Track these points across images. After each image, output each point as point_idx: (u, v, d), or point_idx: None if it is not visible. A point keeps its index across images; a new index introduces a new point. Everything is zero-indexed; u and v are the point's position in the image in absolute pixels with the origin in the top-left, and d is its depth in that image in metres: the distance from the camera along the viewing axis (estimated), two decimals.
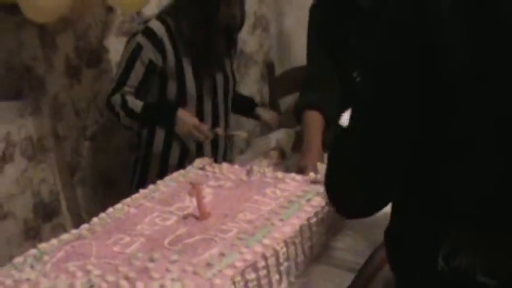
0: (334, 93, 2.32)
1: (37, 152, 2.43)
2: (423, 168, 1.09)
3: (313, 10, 2.46)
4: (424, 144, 1.06)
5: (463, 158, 1.04)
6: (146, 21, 2.38)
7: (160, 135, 2.42)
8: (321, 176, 1.84)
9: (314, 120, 2.26)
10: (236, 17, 2.42)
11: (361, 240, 1.72)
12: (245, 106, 2.71)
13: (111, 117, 2.43)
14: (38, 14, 2.17)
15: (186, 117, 2.34)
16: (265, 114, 2.70)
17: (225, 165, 1.99)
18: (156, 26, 2.34)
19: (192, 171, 1.97)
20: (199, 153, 2.44)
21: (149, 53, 2.32)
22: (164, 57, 2.34)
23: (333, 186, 1.19)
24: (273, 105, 3.42)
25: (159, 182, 1.91)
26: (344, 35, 2.33)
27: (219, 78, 2.49)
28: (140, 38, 2.33)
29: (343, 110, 2.28)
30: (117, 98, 2.33)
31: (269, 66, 3.44)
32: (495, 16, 0.99)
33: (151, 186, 1.88)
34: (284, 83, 3.40)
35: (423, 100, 1.03)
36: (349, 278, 1.55)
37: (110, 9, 2.65)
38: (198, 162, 2.03)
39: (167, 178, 1.94)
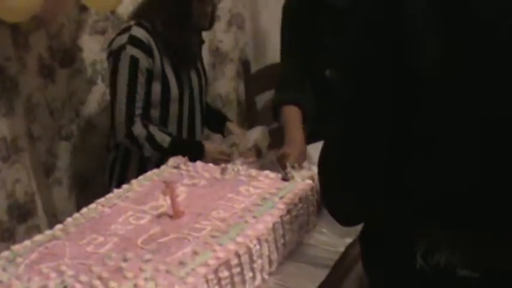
0: (308, 91, 2.35)
1: (11, 153, 2.41)
2: (395, 164, 1.09)
3: (286, 8, 2.48)
4: (397, 141, 1.07)
5: (428, 155, 1.06)
6: (125, 30, 2.36)
7: None
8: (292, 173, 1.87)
9: (293, 114, 2.30)
10: (208, 14, 2.42)
11: (334, 237, 1.73)
12: (215, 121, 2.70)
13: (129, 146, 2.42)
14: (10, 14, 2.16)
15: (211, 148, 2.39)
16: (235, 131, 2.58)
17: (199, 163, 2.00)
18: (140, 33, 2.35)
19: (167, 170, 1.97)
20: None
21: (144, 62, 2.34)
22: (153, 61, 2.37)
23: (326, 191, 1.21)
24: (249, 102, 3.43)
25: (133, 181, 1.91)
26: (316, 34, 2.35)
27: (193, 76, 2.52)
28: (131, 50, 2.33)
29: (316, 108, 2.32)
30: (141, 131, 2.34)
31: (245, 64, 3.45)
32: (468, 12, 1.00)
33: (125, 186, 1.88)
34: (260, 81, 3.41)
35: (396, 97, 1.04)
36: (323, 274, 1.57)
37: (83, 8, 2.63)
38: (172, 160, 2.03)
39: (141, 177, 1.93)
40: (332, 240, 1.72)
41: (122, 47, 2.34)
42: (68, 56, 2.62)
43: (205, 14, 2.39)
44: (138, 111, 2.35)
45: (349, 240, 1.71)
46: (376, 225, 1.21)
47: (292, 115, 2.29)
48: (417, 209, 1.10)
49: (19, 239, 2.31)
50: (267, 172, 1.89)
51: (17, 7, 2.14)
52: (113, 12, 2.76)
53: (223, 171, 1.90)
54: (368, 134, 1.09)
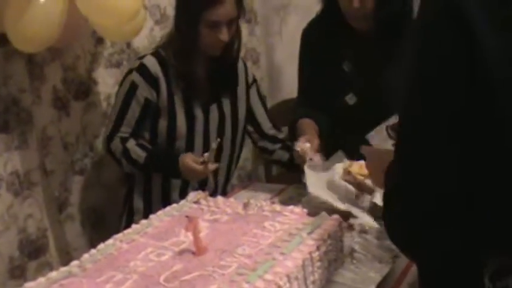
0: (323, 111, 2.39)
1: (24, 187, 2.35)
2: (466, 190, 1.06)
3: (306, 32, 2.47)
4: (469, 164, 1.05)
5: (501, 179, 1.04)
6: (141, 58, 2.33)
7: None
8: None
9: (308, 123, 2.35)
10: (219, 42, 2.26)
11: (363, 275, 1.65)
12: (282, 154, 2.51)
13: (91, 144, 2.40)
14: (26, 44, 2.11)
15: (187, 163, 2.20)
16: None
17: (220, 198, 1.92)
18: (150, 62, 2.29)
19: (187, 205, 1.90)
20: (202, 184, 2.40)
21: (144, 91, 2.28)
22: (158, 94, 2.29)
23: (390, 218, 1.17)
24: None
25: (151, 216, 1.83)
26: (336, 60, 2.33)
27: (213, 116, 2.40)
28: (135, 76, 2.29)
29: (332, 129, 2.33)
30: (117, 146, 2.30)
31: None
32: None
33: (143, 221, 1.80)
34: (275, 117, 3.34)
35: (468, 107, 1.03)
36: None
37: (99, 41, 2.60)
38: (192, 195, 1.96)
39: (160, 212, 1.86)
40: (361, 278, 1.65)
41: (129, 72, 2.33)
42: (82, 89, 2.57)
43: (217, 42, 2.25)
44: (121, 134, 2.30)
45: (378, 277, 1.64)
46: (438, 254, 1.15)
47: (306, 124, 2.34)
48: (486, 233, 1.05)
49: (30, 276, 2.24)
50: (291, 207, 1.81)
51: (33, 37, 2.10)
52: (128, 45, 2.73)
53: (245, 206, 1.83)
54: (440, 156, 1.06)
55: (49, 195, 2.45)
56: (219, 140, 2.25)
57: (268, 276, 1.39)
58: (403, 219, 1.12)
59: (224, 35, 2.23)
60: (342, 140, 2.32)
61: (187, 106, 2.33)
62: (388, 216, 1.17)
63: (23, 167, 2.34)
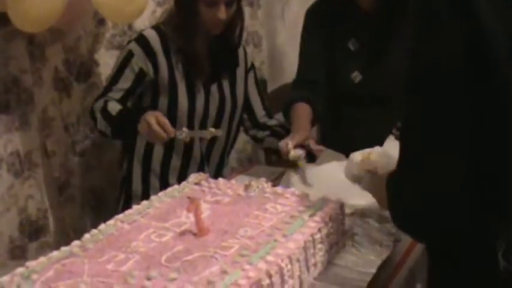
0: (321, 93, 2.38)
1: (24, 168, 2.34)
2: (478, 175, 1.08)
3: (310, 12, 2.47)
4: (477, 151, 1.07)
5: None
6: (142, 30, 2.33)
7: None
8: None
9: (303, 109, 2.33)
10: (219, 22, 2.24)
11: (364, 258, 1.66)
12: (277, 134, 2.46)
13: (92, 125, 2.34)
14: (28, 24, 2.10)
15: (149, 119, 2.09)
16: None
17: (221, 180, 1.92)
18: (151, 35, 2.29)
19: (188, 186, 1.89)
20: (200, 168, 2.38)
21: (140, 61, 2.26)
22: (156, 69, 2.27)
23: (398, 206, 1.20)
24: None
25: (153, 197, 1.83)
26: (342, 38, 2.34)
27: (213, 96, 2.38)
28: (132, 45, 2.28)
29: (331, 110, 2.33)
30: (99, 104, 2.25)
31: (261, 83, 3.38)
32: None
33: (144, 202, 1.80)
34: (276, 100, 3.33)
35: (472, 100, 1.05)
36: None
37: (100, 22, 2.58)
38: (193, 177, 1.95)
39: (161, 193, 1.86)
40: (362, 261, 1.65)
41: (128, 42, 2.33)
42: (84, 70, 2.56)
43: (216, 21, 2.23)
44: (107, 97, 2.25)
45: (379, 261, 1.64)
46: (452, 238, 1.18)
47: (301, 111, 2.32)
48: (498, 213, 1.07)
49: (30, 257, 2.24)
50: (292, 189, 1.81)
51: (35, 17, 2.08)
52: (130, 27, 2.71)
53: (247, 188, 1.82)
54: (448, 145, 1.08)
55: (49, 176, 2.45)
56: (220, 133, 2.25)
57: (270, 258, 1.38)
58: (413, 202, 1.14)
59: (222, 14, 2.21)
60: (345, 117, 2.34)
61: (189, 83, 2.32)
62: (397, 202, 1.20)
63: (23, 148, 2.33)
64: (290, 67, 3.49)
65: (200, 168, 2.38)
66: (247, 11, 3.43)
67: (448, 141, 1.07)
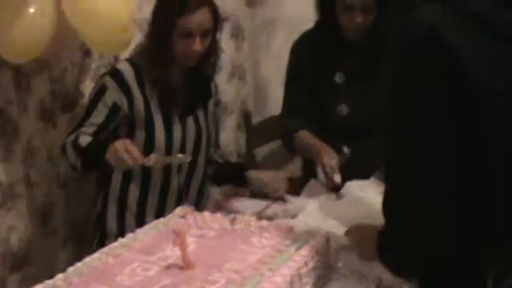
0: (313, 122, 2.46)
1: (7, 199, 2.32)
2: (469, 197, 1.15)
3: (297, 45, 2.50)
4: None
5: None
6: (116, 63, 2.31)
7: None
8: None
9: (310, 135, 2.39)
10: (193, 54, 2.23)
11: None
12: (231, 172, 2.50)
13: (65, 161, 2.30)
14: (14, 55, 2.10)
15: (117, 145, 2.05)
16: (261, 174, 2.40)
17: (206, 213, 1.91)
18: (124, 67, 2.26)
19: (173, 219, 1.89)
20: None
21: (114, 94, 2.22)
22: (131, 102, 2.23)
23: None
24: (249, 155, 3.36)
25: (138, 230, 1.82)
26: (328, 71, 2.37)
27: (190, 129, 2.35)
28: (106, 79, 2.24)
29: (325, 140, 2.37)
30: (71, 137, 2.21)
31: (246, 116, 3.39)
32: None
33: (129, 235, 1.79)
34: (261, 133, 3.35)
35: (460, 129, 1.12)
36: None
37: (86, 53, 2.58)
38: (178, 210, 1.95)
39: (146, 227, 1.85)
40: None
41: (102, 76, 2.31)
42: (69, 101, 2.55)
43: (191, 52, 2.21)
44: (79, 132, 2.21)
45: None
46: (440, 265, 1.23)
47: (309, 136, 2.39)
48: (488, 236, 1.10)
49: None
50: (278, 223, 1.82)
51: (21, 48, 2.09)
52: (116, 58, 2.71)
53: (232, 221, 1.82)
54: (439, 177, 1.16)
55: (33, 207, 2.42)
56: (189, 159, 2.22)
57: None
58: (401, 230, 1.25)
59: (197, 45, 2.19)
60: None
61: (165, 116, 2.28)
62: (385, 237, 1.32)
63: (6, 178, 2.31)
64: (275, 99, 3.50)
65: (178, 204, 2.28)
66: (232, 43, 3.46)
67: (435, 168, 1.14)
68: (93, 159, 2.16)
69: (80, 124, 2.24)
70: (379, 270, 1.71)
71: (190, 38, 2.19)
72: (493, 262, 1.11)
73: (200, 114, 2.40)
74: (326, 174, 2.19)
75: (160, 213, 2.25)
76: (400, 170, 1.25)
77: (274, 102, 3.48)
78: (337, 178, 2.16)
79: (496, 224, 1.13)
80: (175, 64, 2.26)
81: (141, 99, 2.25)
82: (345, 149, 2.22)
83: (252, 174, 2.40)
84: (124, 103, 2.23)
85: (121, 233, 2.19)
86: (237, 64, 3.52)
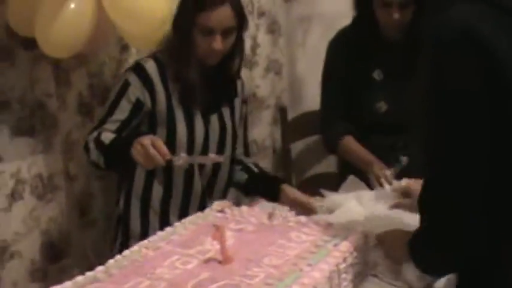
0: (353, 125, 2.48)
1: (47, 191, 2.36)
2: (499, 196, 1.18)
3: (334, 43, 2.50)
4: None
5: None
6: (139, 59, 2.28)
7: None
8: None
9: (355, 143, 2.43)
10: (216, 52, 2.19)
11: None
12: (265, 185, 2.35)
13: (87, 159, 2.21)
14: (55, 50, 2.12)
15: (142, 140, 1.99)
16: (298, 195, 2.22)
17: (245, 208, 1.92)
18: (148, 64, 2.23)
19: (211, 213, 1.90)
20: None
21: (137, 90, 2.18)
22: (154, 99, 2.20)
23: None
24: (284, 150, 3.37)
25: (176, 224, 1.84)
26: (366, 68, 2.36)
27: (214, 126, 2.31)
28: (129, 75, 2.21)
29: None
30: (93, 134, 2.16)
31: (282, 111, 3.39)
32: None
33: (168, 229, 1.80)
34: (296, 128, 3.35)
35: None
36: None
37: (124, 47, 2.61)
38: (216, 204, 1.96)
39: (185, 220, 1.86)
40: None
41: (125, 72, 2.28)
42: (107, 95, 2.56)
43: (210, 50, 2.17)
44: (101, 130, 2.16)
45: None
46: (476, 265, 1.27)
47: (355, 144, 2.43)
48: None
49: (51, 280, 2.24)
50: (316, 218, 1.82)
51: (62, 43, 2.11)
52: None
53: (270, 216, 1.83)
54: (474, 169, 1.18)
55: (72, 200, 2.46)
56: (222, 160, 2.16)
57: (296, 287, 1.38)
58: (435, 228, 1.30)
59: (217, 44, 2.15)
60: (371, 147, 2.37)
61: (186, 113, 2.24)
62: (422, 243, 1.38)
63: (46, 171, 2.35)
64: (310, 95, 3.51)
65: (202, 204, 2.27)
66: (268, 38, 3.45)
67: (470, 166, 1.17)
68: (118, 156, 2.11)
69: (103, 121, 2.20)
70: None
71: (211, 36, 2.15)
72: None
73: (226, 112, 2.35)
74: (380, 185, 2.21)
75: (184, 213, 2.23)
76: (437, 167, 1.27)
77: (310, 97, 3.48)
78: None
79: None
80: (196, 61, 2.21)
81: (163, 96, 2.21)
82: (403, 159, 2.21)
83: (288, 191, 2.26)
84: (147, 99, 2.20)
85: (144, 233, 2.19)
86: (273, 59, 3.51)
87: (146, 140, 1.98)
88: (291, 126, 3.35)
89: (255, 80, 3.40)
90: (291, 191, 2.24)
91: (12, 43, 2.19)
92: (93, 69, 2.52)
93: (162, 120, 2.22)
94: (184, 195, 2.29)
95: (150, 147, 1.96)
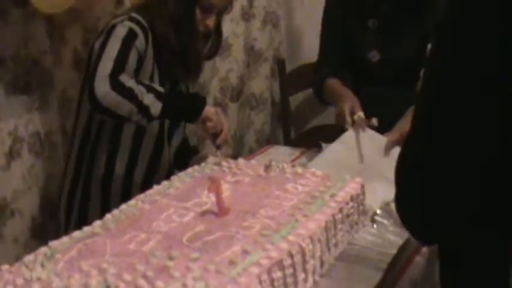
0: (348, 70, 2.41)
1: (45, 148, 2.36)
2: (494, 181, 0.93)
3: None
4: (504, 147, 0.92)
5: None
6: (122, 15, 2.14)
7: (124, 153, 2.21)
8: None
9: (337, 82, 2.35)
10: (208, 29, 2.18)
11: (384, 239, 1.66)
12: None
13: (118, 102, 1.95)
14: (47, 5, 2.10)
15: (212, 111, 2.09)
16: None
17: (241, 160, 1.92)
18: (140, 18, 2.11)
19: (208, 166, 1.90)
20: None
21: (141, 44, 2.07)
22: (145, 56, 2.10)
23: (404, 200, 1.03)
24: (283, 102, 3.36)
25: (173, 177, 1.84)
26: (362, 16, 2.34)
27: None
28: (131, 25, 2.06)
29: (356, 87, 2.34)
30: (127, 78, 1.98)
31: (280, 63, 3.37)
32: None
33: (165, 182, 1.80)
34: (294, 80, 3.33)
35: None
36: (375, 277, 1.49)
37: (119, 1, 2.58)
38: (212, 158, 1.96)
39: (181, 174, 1.86)
40: (382, 241, 1.65)
41: (118, 22, 2.08)
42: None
43: (205, 28, 2.16)
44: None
45: (399, 241, 1.64)
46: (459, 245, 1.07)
47: (337, 84, 2.34)
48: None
49: (51, 236, 2.25)
50: (313, 170, 1.81)
51: None
52: None
53: (267, 168, 1.82)
54: (469, 129, 0.93)
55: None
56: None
57: (292, 238, 1.39)
58: (426, 197, 0.99)
59: (211, 21, 2.16)
60: (364, 97, 2.34)
61: (161, 82, 2.17)
62: (406, 199, 1.04)
63: (43, 128, 2.35)
64: (308, 47, 3.48)
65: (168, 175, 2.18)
66: None
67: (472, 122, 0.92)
68: (179, 110, 2.10)
69: (120, 65, 1.99)
70: None
71: (207, 13, 2.14)
72: None
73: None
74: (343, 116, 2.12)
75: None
76: (428, 120, 0.99)
77: (308, 50, 3.45)
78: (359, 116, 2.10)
79: None
80: (200, 35, 2.18)
81: (151, 54, 2.13)
82: (374, 121, 2.16)
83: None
84: (142, 54, 2.09)
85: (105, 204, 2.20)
86: (270, 11, 3.48)
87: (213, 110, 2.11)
88: (290, 79, 3.33)
89: (252, 33, 3.37)
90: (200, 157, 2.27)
91: (4, 1, 2.15)
92: (88, 25, 2.49)
93: (144, 78, 2.12)
94: (149, 165, 2.26)
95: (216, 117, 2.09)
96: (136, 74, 2.06)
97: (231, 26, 3.20)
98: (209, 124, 2.10)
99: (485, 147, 0.93)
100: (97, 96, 1.93)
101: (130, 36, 2.05)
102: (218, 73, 3.23)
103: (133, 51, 2.04)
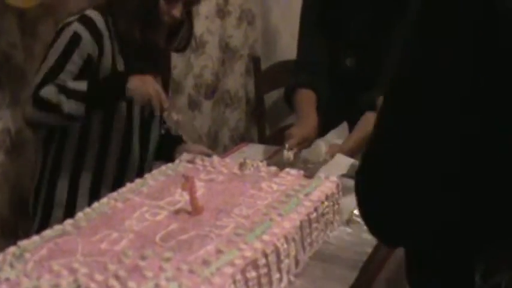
0: (325, 75, 2.34)
1: (15, 146, 2.31)
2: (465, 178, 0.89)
3: None
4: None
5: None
6: (78, 13, 2.09)
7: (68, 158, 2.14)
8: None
9: (307, 96, 2.30)
10: (174, 19, 2.09)
11: (359, 238, 1.65)
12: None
13: (42, 117, 2.01)
14: None
15: (144, 77, 1.98)
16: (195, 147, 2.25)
17: (216, 158, 1.90)
18: (95, 16, 2.05)
19: (182, 164, 1.87)
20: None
21: (88, 45, 2.01)
22: (101, 54, 2.04)
23: (368, 199, 0.99)
24: (258, 100, 3.35)
25: (146, 175, 1.81)
26: (340, 19, 2.31)
27: None
28: (78, 27, 2.01)
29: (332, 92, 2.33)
30: (50, 88, 1.96)
31: (255, 61, 3.36)
32: None
33: (138, 180, 1.78)
34: (269, 78, 3.33)
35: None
36: (351, 276, 1.48)
37: None
38: (186, 155, 1.93)
39: (155, 172, 1.84)
40: (357, 240, 1.65)
41: (67, 24, 2.03)
42: None
43: (170, 18, 2.06)
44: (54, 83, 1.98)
45: (374, 240, 1.63)
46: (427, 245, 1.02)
47: (305, 98, 2.29)
48: (478, 228, 0.96)
49: (21, 235, 2.21)
50: (287, 169, 1.80)
51: None
52: None
53: (241, 166, 1.81)
54: (441, 125, 0.88)
55: None
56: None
57: (266, 237, 1.37)
58: (388, 198, 0.94)
59: (177, 12, 2.05)
60: (340, 103, 2.32)
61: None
62: (368, 202, 1.00)
63: (14, 125, 2.31)
64: (284, 45, 3.48)
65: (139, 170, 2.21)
66: None
67: (441, 127, 0.87)
68: (104, 99, 2.03)
69: (53, 72, 2.01)
70: None
71: (173, 3, 2.04)
72: (482, 257, 0.97)
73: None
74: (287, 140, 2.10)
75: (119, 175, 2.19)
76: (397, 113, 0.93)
77: (283, 47, 3.45)
78: (288, 154, 2.06)
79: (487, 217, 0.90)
80: (164, 26, 2.11)
81: (110, 51, 2.07)
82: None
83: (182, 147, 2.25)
84: (96, 54, 2.04)
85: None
86: (245, 8, 3.46)
87: (149, 78, 2.02)
88: (265, 77, 3.33)
89: (227, 30, 3.35)
90: (185, 147, 2.24)
91: None
92: (61, 19, 2.43)
93: (104, 75, 2.08)
94: (120, 159, 2.19)
95: (156, 94, 1.98)
96: (88, 74, 2.02)
97: (206, 23, 3.18)
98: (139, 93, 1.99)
99: (448, 153, 0.88)
100: (26, 116, 2.07)
101: (72, 42, 2.02)
102: (193, 70, 3.21)
103: (76, 55, 2.01)
